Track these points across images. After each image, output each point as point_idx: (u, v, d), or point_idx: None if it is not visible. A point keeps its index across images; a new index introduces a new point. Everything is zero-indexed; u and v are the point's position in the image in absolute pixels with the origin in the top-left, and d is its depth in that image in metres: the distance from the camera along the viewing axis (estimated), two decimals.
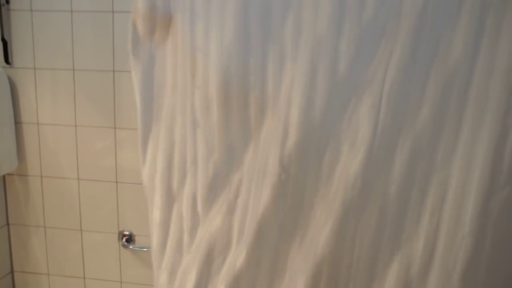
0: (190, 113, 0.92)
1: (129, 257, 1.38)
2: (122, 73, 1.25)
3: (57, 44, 1.26)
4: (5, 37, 1.26)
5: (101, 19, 1.22)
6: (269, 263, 0.94)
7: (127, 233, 1.36)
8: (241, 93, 0.90)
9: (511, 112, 0.77)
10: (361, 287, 0.91)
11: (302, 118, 0.85)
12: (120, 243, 1.36)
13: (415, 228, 0.85)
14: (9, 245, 1.43)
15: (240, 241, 0.96)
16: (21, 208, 1.40)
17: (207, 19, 0.87)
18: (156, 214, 0.99)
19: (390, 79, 0.82)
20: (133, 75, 0.96)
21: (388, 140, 0.84)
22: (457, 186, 0.81)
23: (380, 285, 0.89)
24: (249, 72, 0.88)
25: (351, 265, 0.92)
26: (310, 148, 0.88)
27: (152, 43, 0.97)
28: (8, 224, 1.42)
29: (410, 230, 0.85)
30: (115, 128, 1.29)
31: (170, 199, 0.97)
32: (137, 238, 1.36)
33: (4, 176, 1.38)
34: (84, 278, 1.42)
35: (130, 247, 1.35)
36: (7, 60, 1.28)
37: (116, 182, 1.32)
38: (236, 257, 0.96)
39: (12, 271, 1.46)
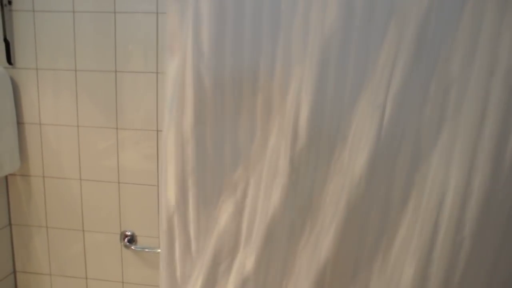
0: (197, 113, 0.93)
1: (131, 257, 1.38)
2: (124, 73, 1.25)
3: (59, 44, 1.26)
4: (8, 38, 1.26)
5: (103, 19, 1.23)
6: (278, 265, 0.94)
7: (129, 233, 1.36)
8: (249, 93, 0.90)
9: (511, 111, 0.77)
10: (363, 286, 0.91)
11: (312, 118, 0.85)
12: (122, 243, 1.36)
13: (413, 228, 0.84)
14: (11, 245, 1.44)
15: (248, 243, 0.96)
16: (23, 208, 1.40)
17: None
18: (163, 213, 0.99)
19: (395, 80, 0.82)
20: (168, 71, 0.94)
21: (392, 140, 0.85)
22: (456, 187, 0.81)
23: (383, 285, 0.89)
24: (258, 72, 0.88)
25: (355, 265, 0.92)
26: (320, 149, 0.88)
27: None
28: (10, 224, 1.42)
29: (410, 230, 0.85)
30: (117, 128, 1.29)
31: (178, 199, 0.97)
32: (139, 239, 1.36)
33: (6, 177, 1.38)
34: (86, 278, 1.42)
35: (132, 247, 1.35)
36: (9, 60, 1.28)
37: (118, 183, 1.33)
38: (245, 259, 0.96)
39: (14, 271, 1.46)
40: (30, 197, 1.39)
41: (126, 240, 1.36)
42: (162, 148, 0.96)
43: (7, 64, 1.28)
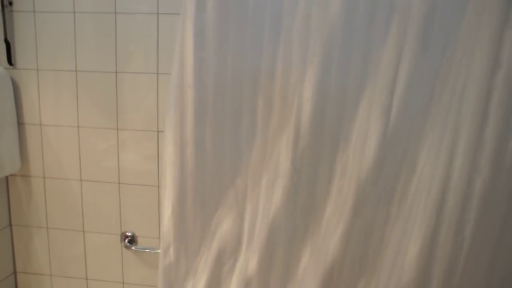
0: (197, 114, 0.92)
1: (131, 258, 1.38)
2: (124, 74, 1.25)
3: (60, 45, 1.26)
4: (8, 38, 1.26)
5: (104, 20, 1.23)
6: (281, 267, 0.94)
7: (129, 234, 1.36)
8: (250, 94, 0.90)
9: None
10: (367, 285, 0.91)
11: (314, 119, 0.85)
12: (123, 244, 1.36)
13: (418, 229, 0.84)
14: (12, 246, 1.44)
15: (250, 244, 0.95)
16: (23, 209, 1.40)
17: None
18: (166, 216, 0.98)
19: (400, 80, 0.81)
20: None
21: (397, 140, 0.84)
22: (456, 187, 0.81)
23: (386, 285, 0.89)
24: (259, 73, 0.88)
25: (361, 266, 0.92)
26: (322, 149, 0.88)
27: None
28: (10, 225, 1.42)
29: (413, 231, 0.85)
30: (117, 129, 1.29)
31: (180, 200, 0.97)
32: (139, 239, 1.36)
33: (6, 177, 1.38)
34: (87, 279, 1.42)
35: (133, 248, 1.35)
36: (10, 61, 1.28)
37: (119, 183, 1.33)
38: (248, 261, 0.96)
39: (14, 272, 1.46)
40: (30, 197, 1.39)
41: (126, 240, 1.36)
42: (163, 150, 0.96)
43: (7, 65, 1.28)
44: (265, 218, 0.93)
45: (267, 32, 0.85)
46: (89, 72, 1.27)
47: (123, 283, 1.40)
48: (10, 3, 1.24)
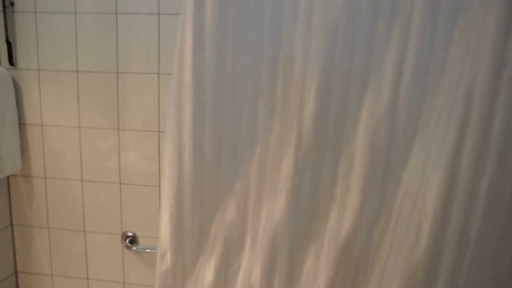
0: (195, 116, 0.91)
1: (132, 258, 1.38)
2: (125, 74, 1.25)
3: (61, 45, 1.26)
4: (10, 39, 1.26)
5: (105, 20, 1.23)
6: (285, 271, 0.92)
7: (130, 234, 1.36)
8: (250, 96, 0.89)
9: None
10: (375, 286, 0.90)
11: (316, 121, 0.84)
12: (123, 244, 1.36)
13: (423, 229, 0.84)
14: (13, 246, 1.44)
15: (254, 248, 0.94)
16: (24, 209, 1.40)
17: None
18: (166, 217, 0.97)
19: (404, 80, 0.81)
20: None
21: (402, 141, 0.84)
22: (462, 189, 0.80)
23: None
24: (260, 74, 0.87)
25: (366, 267, 0.91)
26: (325, 150, 0.87)
27: None
28: (12, 225, 1.42)
29: (418, 232, 0.85)
30: (118, 129, 1.29)
31: (178, 204, 0.96)
32: (140, 239, 1.36)
33: (8, 177, 1.38)
34: (88, 279, 1.42)
35: (133, 248, 1.35)
36: (11, 61, 1.28)
37: (120, 184, 1.33)
38: (252, 265, 0.94)
39: (16, 272, 1.46)
40: (31, 197, 1.39)
41: (127, 241, 1.36)
42: (163, 152, 0.95)
43: (9, 65, 1.28)
44: (268, 221, 0.91)
45: (267, 31, 0.84)
46: (90, 73, 1.27)
47: (124, 283, 1.40)
48: (12, 4, 1.25)
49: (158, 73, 1.23)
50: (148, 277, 1.37)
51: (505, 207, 0.80)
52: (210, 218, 0.96)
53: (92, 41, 1.25)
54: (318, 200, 0.90)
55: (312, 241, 0.92)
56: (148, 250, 1.35)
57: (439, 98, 0.80)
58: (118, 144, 1.30)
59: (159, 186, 1.30)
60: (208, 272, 0.97)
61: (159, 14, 1.20)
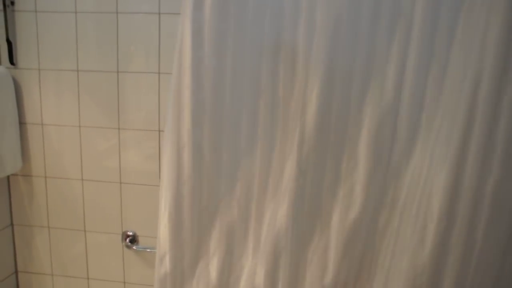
0: (194, 115, 0.90)
1: (132, 257, 1.38)
2: (126, 74, 1.25)
3: (62, 45, 1.26)
4: (10, 38, 1.26)
5: (105, 20, 1.23)
6: (289, 273, 0.91)
7: (130, 233, 1.36)
8: (251, 95, 0.88)
9: None
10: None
11: (319, 120, 0.84)
12: (124, 243, 1.36)
13: (429, 230, 0.83)
14: (13, 245, 1.44)
15: (257, 250, 0.93)
16: (25, 208, 1.40)
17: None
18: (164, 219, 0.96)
19: (407, 80, 0.80)
20: None
21: (405, 141, 0.83)
22: (468, 188, 0.79)
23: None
24: (260, 74, 0.86)
25: (370, 268, 0.90)
26: (328, 150, 0.86)
27: None
28: (12, 224, 1.42)
29: (424, 232, 0.84)
30: (119, 128, 1.29)
31: (177, 206, 0.95)
32: (140, 239, 1.36)
33: (8, 177, 1.38)
34: (88, 278, 1.42)
35: (134, 247, 1.35)
36: (12, 60, 1.28)
37: (120, 183, 1.33)
38: (255, 267, 0.93)
39: (16, 271, 1.46)
40: (32, 197, 1.39)
41: (127, 240, 1.36)
42: (162, 152, 0.94)
43: (9, 65, 1.28)
44: (271, 223, 0.90)
45: (268, 31, 0.84)
46: (90, 72, 1.27)
47: (124, 282, 1.40)
48: (12, 3, 1.24)
49: (159, 73, 1.23)
50: (149, 277, 1.37)
51: (511, 207, 0.79)
52: (210, 220, 0.95)
53: (93, 40, 1.25)
54: (321, 200, 0.89)
55: (315, 242, 0.91)
56: (148, 250, 1.35)
57: (443, 98, 0.80)
58: (119, 143, 1.30)
59: (160, 186, 1.29)
60: (209, 275, 0.96)
61: (159, 13, 1.20)
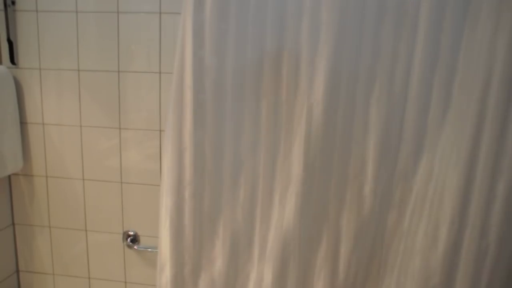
0: (196, 116, 0.89)
1: (133, 257, 1.38)
2: (127, 73, 1.25)
3: (62, 44, 1.26)
4: (11, 38, 1.26)
5: (106, 19, 1.23)
6: (296, 278, 0.90)
7: (131, 233, 1.36)
8: (253, 97, 0.87)
9: None
10: None
11: (326, 122, 0.82)
12: (125, 243, 1.36)
13: (441, 233, 0.82)
14: (14, 245, 1.44)
15: (263, 255, 0.92)
16: (26, 208, 1.40)
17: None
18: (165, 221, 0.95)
19: (414, 80, 0.79)
20: None
21: (413, 142, 0.82)
22: (480, 189, 0.79)
23: None
24: (262, 75, 0.85)
25: (379, 271, 0.89)
26: (335, 153, 0.85)
27: None
28: (13, 224, 1.42)
29: (435, 235, 0.83)
30: (120, 128, 1.29)
31: (178, 211, 0.93)
32: (141, 239, 1.36)
33: (9, 176, 1.38)
34: (89, 278, 1.42)
35: (135, 247, 1.35)
36: (12, 60, 1.28)
37: (121, 183, 1.33)
38: (262, 273, 0.91)
39: (17, 271, 1.46)
40: (33, 196, 1.39)
41: (128, 240, 1.36)
42: (163, 153, 0.92)
43: (10, 64, 1.28)
44: (278, 227, 0.89)
45: (270, 31, 0.82)
46: (91, 72, 1.27)
47: (125, 282, 1.40)
48: (13, 3, 1.24)
49: (160, 72, 1.23)
50: (149, 276, 1.37)
51: None
52: (213, 226, 0.93)
53: (94, 40, 1.25)
54: (328, 203, 0.87)
55: (323, 245, 0.89)
56: (149, 249, 1.35)
57: (451, 99, 0.79)
58: (120, 143, 1.30)
59: (161, 185, 1.29)
60: (212, 284, 0.94)
61: (160, 13, 1.20)
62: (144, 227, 1.35)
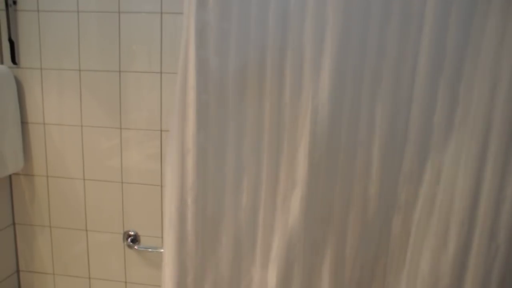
0: (199, 118, 0.88)
1: (134, 257, 1.38)
2: (128, 73, 1.25)
3: (64, 44, 1.26)
4: (12, 37, 1.26)
5: (107, 19, 1.23)
6: (301, 282, 0.89)
7: (132, 233, 1.35)
8: (256, 98, 0.86)
9: None
10: None
11: (330, 123, 0.82)
12: (125, 243, 1.36)
13: (450, 235, 0.82)
14: (15, 244, 1.44)
15: (267, 259, 0.91)
16: (26, 207, 1.40)
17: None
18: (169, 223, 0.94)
19: (420, 81, 0.78)
20: None
21: (420, 144, 0.81)
22: (489, 190, 0.78)
23: None
24: (265, 76, 0.84)
25: (385, 273, 0.89)
26: (340, 154, 0.84)
27: None
28: (14, 223, 1.42)
29: (446, 237, 0.83)
30: (120, 128, 1.29)
31: (181, 216, 0.92)
32: (142, 239, 1.36)
33: (10, 176, 1.38)
34: (89, 278, 1.42)
35: (135, 247, 1.35)
36: (14, 60, 1.28)
37: (122, 183, 1.33)
38: (266, 277, 0.91)
39: (17, 271, 1.46)
40: (33, 196, 1.39)
41: (129, 240, 1.36)
42: (165, 156, 0.91)
43: (11, 64, 1.28)
44: (282, 232, 0.88)
45: (272, 31, 0.82)
46: (92, 71, 1.27)
47: (126, 282, 1.40)
48: (14, 2, 1.24)
49: (161, 72, 1.23)
50: (150, 276, 1.37)
51: None
52: (216, 230, 0.92)
53: (95, 39, 1.25)
54: (333, 205, 0.86)
55: (328, 248, 0.88)
56: (150, 249, 1.35)
57: (458, 100, 0.78)
58: (120, 143, 1.30)
59: (161, 185, 1.30)
60: (221, 286, 0.94)
61: (161, 13, 1.19)
62: (144, 227, 1.35)
